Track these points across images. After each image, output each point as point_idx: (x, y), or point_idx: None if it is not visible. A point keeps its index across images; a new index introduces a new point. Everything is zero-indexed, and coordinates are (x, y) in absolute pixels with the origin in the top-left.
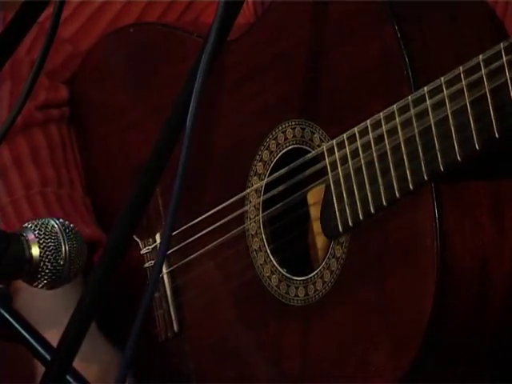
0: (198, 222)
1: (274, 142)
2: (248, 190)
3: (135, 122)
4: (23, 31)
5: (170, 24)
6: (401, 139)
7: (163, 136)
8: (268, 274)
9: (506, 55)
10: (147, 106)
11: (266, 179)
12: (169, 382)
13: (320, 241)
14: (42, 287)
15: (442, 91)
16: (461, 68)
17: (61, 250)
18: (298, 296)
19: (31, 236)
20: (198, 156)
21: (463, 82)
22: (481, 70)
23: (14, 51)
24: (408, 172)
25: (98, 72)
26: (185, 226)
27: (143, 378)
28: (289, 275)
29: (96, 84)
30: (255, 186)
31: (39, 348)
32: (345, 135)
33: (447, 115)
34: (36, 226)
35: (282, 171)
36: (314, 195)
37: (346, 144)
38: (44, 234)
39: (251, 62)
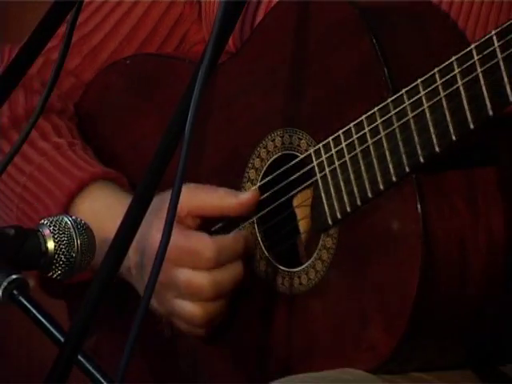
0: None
1: (264, 150)
2: (249, 192)
3: (134, 142)
4: (52, 30)
5: (164, 54)
6: (382, 136)
7: (162, 146)
8: (264, 269)
9: (476, 54)
10: (144, 128)
11: (258, 184)
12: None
13: (306, 238)
14: (55, 277)
15: (419, 91)
16: (435, 69)
17: (73, 244)
18: (292, 285)
19: (47, 231)
20: (194, 166)
21: (438, 81)
22: (454, 69)
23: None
24: (390, 165)
25: (99, 100)
26: None
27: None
28: (282, 267)
29: (97, 111)
30: (250, 186)
31: (53, 331)
32: (330, 138)
33: (424, 111)
34: (51, 223)
35: (273, 176)
36: (299, 199)
37: (332, 146)
38: (58, 229)
39: (240, 80)
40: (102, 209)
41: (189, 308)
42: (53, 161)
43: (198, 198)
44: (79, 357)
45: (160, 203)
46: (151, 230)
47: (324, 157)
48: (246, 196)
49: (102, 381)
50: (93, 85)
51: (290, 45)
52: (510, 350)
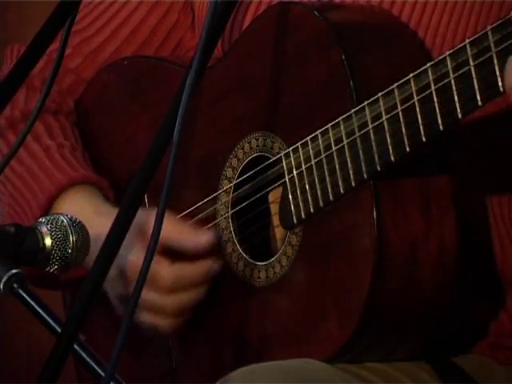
0: (179, 218)
1: (241, 151)
2: (219, 191)
3: (129, 137)
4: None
5: (159, 57)
6: (345, 144)
7: (154, 144)
8: (235, 261)
9: (432, 74)
10: (136, 125)
11: (234, 182)
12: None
13: (278, 232)
14: (52, 271)
15: (379, 104)
16: (395, 85)
17: (69, 241)
18: (260, 278)
19: (44, 229)
20: (179, 162)
21: (396, 96)
22: (411, 86)
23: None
24: (351, 172)
25: (98, 97)
26: None
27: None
28: (252, 261)
29: (96, 107)
30: (225, 188)
31: (51, 322)
32: (299, 143)
33: (383, 123)
34: (48, 221)
35: (248, 175)
36: (274, 195)
37: (300, 150)
38: (55, 227)
39: (223, 84)
40: (78, 212)
41: (150, 320)
42: (40, 163)
43: (165, 229)
44: (75, 346)
45: (143, 224)
46: (130, 250)
47: (293, 160)
48: (204, 239)
49: (97, 368)
50: (92, 83)
51: (269, 55)
52: (460, 343)
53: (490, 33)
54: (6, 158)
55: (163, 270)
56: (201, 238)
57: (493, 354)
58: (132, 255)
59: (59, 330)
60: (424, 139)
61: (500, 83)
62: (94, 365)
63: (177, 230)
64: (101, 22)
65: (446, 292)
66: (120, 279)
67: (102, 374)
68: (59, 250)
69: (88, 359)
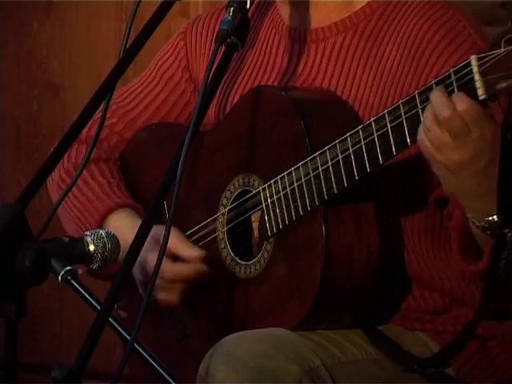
0: (188, 234)
1: (232, 186)
2: (218, 214)
3: (155, 177)
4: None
5: (175, 123)
6: (303, 182)
7: (163, 181)
8: (229, 262)
9: (362, 133)
10: (158, 170)
11: (228, 207)
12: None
13: (258, 242)
14: (94, 268)
15: (327, 154)
16: (336, 140)
17: (106, 247)
18: (245, 273)
19: (89, 239)
20: (189, 194)
21: (338, 149)
22: (348, 141)
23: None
24: (307, 201)
25: (135, 150)
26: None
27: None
28: (240, 261)
29: (133, 157)
30: (221, 212)
31: (93, 302)
32: (272, 181)
33: (329, 167)
34: (92, 234)
35: (237, 203)
36: (255, 216)
37: (273, 186)
38: (96, 238)
39: (219, 142)
40: (120, 227)
41: (162, 297)
42: (95, 194)
43: (172, 241)
44: (110, 319)
45: (156, 236)
46: (148, 253)
47: (267, 193)
48: (197, 253)
49: (124, 333)
50: (131, 141)
51: (250, 121)
52: (382, 316)
53: (401, 105)
54: (65, 190)
55: (166, 267)
56: (195, 251)
57: (402, 323)
58: (149, 256)
59: (98, 307)
60: (357, 178)
61: (408, 139)
62: (122, 332)
63: (180, 244)
64: (136, 100)
65: (372, 282)
66: (141, 271)
67: (128, 337)
68: (99, 254)
69: (118, 327)
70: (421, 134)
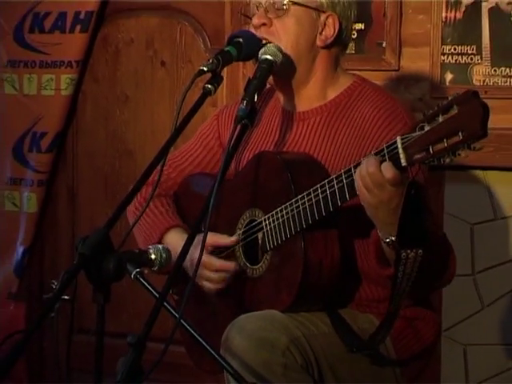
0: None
1: (244, 216)
2: (236, 234)
3: (196, 209)
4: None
5: (209, 174)
6: (290, 215)
7: (202, 209)
8: (242, 265)
9: (328, 184)
10: (199, 204)
11: (242, 230)
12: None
13: (261, 252)
14: (153, 271)
15: (304, 197)
16: (311, 188)
17: (162, 257)
18: (252, 273)
19: (151, 251)
20: (217, 220)
21: (312, 194)
22: (319, 192)
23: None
24: (292, 227)
25: (183, 190)
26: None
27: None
28: (249, 265)
29: (182, 194)
30: (238, 233)
31: (154, 293)
32: (270, 214)
33: (306, 205)
34: (153, 247)
35: (248, 227)
36: (260, 235)
37: (271, 217)
38: (156, 250)
39: (236, 186)
40: (172, 241)
41: (204, 283)
42: (158, 218)
43: (211, 239)
44: (165, 303)
45: (197, 243)
46: (194, 255)
47: (267, 222)
48: (233, 239)
49: (174, 313)
50: (181, 184)
51: (255, 174)
52: (341, 303)
53: (352, 167)
54: (137, 216)
55: (212, 260)
56: (231, 238)
57: (356, 308)
58: (194, 255)
59: (157, 295)
60: (324, 213)
61: (357, 190)
62: (172, 311)
63: (217, 237)
64: (185, 158)
65: (335, 280)
66: (191, 266)
67: (176, 315)
68: (157, 260)
69: (170, 308)
70: (358, 182)
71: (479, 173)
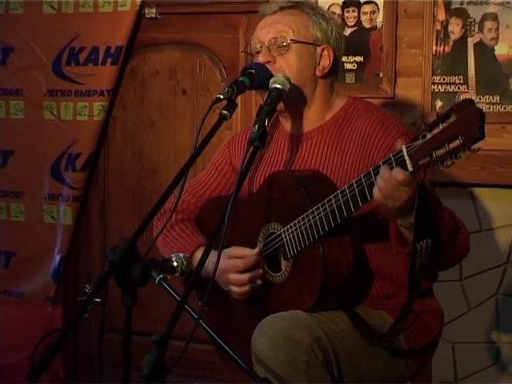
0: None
1: (264, 229)
2: (258, 247)
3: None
4: None
5: (224, 196)
6: (307, 225)
7: (217, 226)
8: (265, 272)
9: (340, 194)
10: (216, 222)
11: (263, 242)
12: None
13: (282, 261)
14: (177, 275)
15: (319, 208)
16: (325, 200)
17: (184, 264)
18: (275, 280)
19: (173, 259)
20: (236, 235)
21: (326, 204)
22: (333, 201)
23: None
24: (310, 236)
25: (203, 212)
26: None
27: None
28: (272, 273)
29: (202, 216)
30: (260, 245)
31: (176, 296)
32: (288, 226)
33: (321, 215)
34: (175, 256)
35: (268, 239)
36: (280, 246)
37: (289, 229)
38: (177, 258)
39: (253, 203)
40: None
41: (232, 288)
42: (186, 237)
43: (236, 251)
44: (185, 306)
45: (223, 254)
46: (223, 261)
47: (286, 233)
48: (255, 251)
49: (194, 315)
50: (201, 207)
51: (270, 192)
52: (357, 302)
53: (362, 176)
54: (159, 231)
55: (237, 262)
56: (250, 251)
57: (370, 305)
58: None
59: (178, 299)
60: (339, 220)
61: (368, 196)
62: (192, 313)
63: (241, 250)
64: (202, 184)
65: (351, 280)
66: (219, 278)
67: (195, 316)
68: (179, 267)
69: (190, 310)
70: (375, 191)
71: (466, 189)
